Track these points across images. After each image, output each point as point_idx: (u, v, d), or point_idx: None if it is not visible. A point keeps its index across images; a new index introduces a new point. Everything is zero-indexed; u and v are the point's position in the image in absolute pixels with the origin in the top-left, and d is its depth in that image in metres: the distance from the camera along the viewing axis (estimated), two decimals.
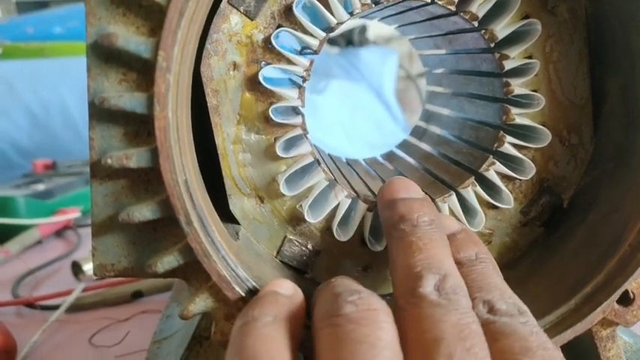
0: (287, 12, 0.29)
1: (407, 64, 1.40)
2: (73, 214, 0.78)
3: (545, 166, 0.34)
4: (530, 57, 0.32)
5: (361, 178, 0.38)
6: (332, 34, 0.31)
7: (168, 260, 0.26)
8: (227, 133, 0.30)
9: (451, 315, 0.22)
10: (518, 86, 0.33)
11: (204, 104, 0.30)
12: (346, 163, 0.42)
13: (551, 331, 0.28)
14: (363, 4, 0.30)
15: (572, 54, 0.33)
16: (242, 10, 0.29)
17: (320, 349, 0.22)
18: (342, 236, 0.32)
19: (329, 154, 0.40)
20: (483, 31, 0.32)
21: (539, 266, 0.33)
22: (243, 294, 0.26)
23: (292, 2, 0.29)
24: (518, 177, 0.33)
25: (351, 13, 0.30)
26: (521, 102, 0.33)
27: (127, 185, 0.25)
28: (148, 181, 0.25)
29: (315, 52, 0.30)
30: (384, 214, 0.28)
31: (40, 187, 0.81)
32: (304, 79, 0.31)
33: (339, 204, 0.32)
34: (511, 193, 0.33)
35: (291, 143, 0.31)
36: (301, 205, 0.32)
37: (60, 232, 0.78)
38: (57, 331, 0.50)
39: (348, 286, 0.24)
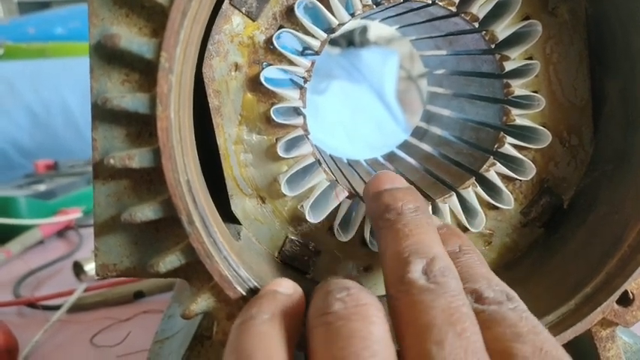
0: (288, 13, 0.30)
1: (408, 64, 1.40)
2: (74, 214, 0.78)
3: (545, 166, 0.34)
4: (530, 58, 0.32)
5: (362, 179, 0.38)
6: (333, 35, 0.31)
7: (170, 260, 0.26)
8: (229, 133, 0.31)
9: (441, 299, 0.22)
10: (519, 87, 0.33)
11: (206, 105, 0.30)
12: (347, 163, 0.42)
13: (552, 330, 0.28)
14: (364, 5, 0.30)
15: (572, 55, 0.33)
16: (244, 11, 0.29)
17: (313, 347, 0.22)
18: (343, 236, 0.32)
19: (330, 155, 0.40)
20: (484, 32, 0.32)
21: (539, 267, 0.33)
22: (244, 294, 0.27)
23: (294, 3, 0.29)
24: (518, 178, 0.33)
25: (353, 14, 0.30)
26: (521, 103, 0.33)
27: (129, 185, 0.26)
28: (151, 181, 0.25)
29: (317, 53, 0.30)
30: (370, 207, 0.28)
31: (42, 187, 0.81)
32: (305, 80, 0.31)
33: (340, 204, 0.32)
34: (511, 193, 0.34)
35: (292, 144, 0.32)
36: (302, 206, 0.32)
37: (61, 233, 0.78)
38: (58, 331, 0.50)
39: (339, 284, 0.24)
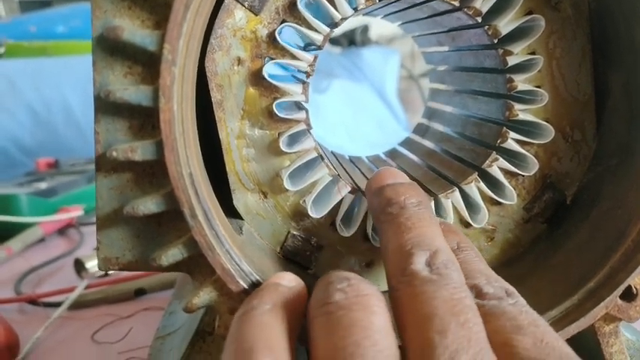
0: (291, 7, 0.30)
1: (409, 63, 1.40)
2: (75, 212, 0.78)
3: (548, 162, 0.34)
4: (533, 53, 0.32)
5: (364, 175, 0.38)
6: (336, 30, 0.31)
7: (173, 253, 0.26)
8: (231, 128, 0.31)
9: (443, 290, 0.22)
10: (522, 82, 0.33)
11: (209, 99, 0.30)
12: (349, 160, 0.42)
13: (555, 326, 0.28)
14: (367, 0, 0.30)
15: (575, 50, 0.33)
16: (246, 5, 0.29)
17: (314, 337, 0.22)
18: (345, 232, 0.32)
19: (332, 152, 0.40)
20: (487, 27, 0.32)
21: (542, 262, 0.33)
22: (246, 287, 0.27)
23: None
24: (521, 173, 0.33)
25: (355, 9, 0.30)
26: (524, 98, 0.33)
27: (131, 178, 0.26)
28: (153, 174, 0.25)
29: (319, 48, 0.30)
30: (372, 201, 0.28)
31: (43, 185, 0.81)
32: (308, 75, 0.31)
33: (342, 199, 0.32)
34: (514, 189, 0.33)
35: (294, 138, 0.31)
36: (305, 201, 0.32)
37: (62, 230, 0.78)
38: (59, 328, 0.50)
39: (339, 275, 0.24)
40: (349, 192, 0.32)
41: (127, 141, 0.25)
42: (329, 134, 1.00)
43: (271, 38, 0.30)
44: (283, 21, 0.30)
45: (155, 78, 0.24)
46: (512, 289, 0.24)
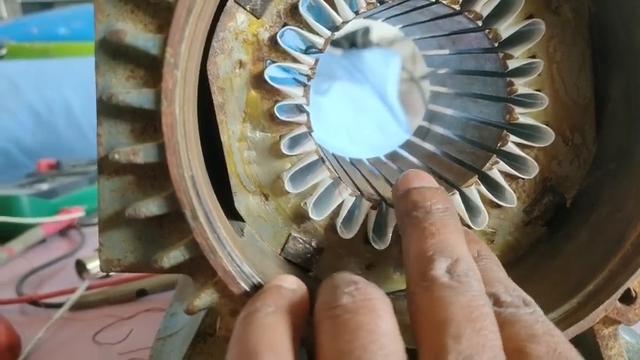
0: (293, 11, 0.30)
1: (410, 66, 1.40)
2: (76, 213, 0.78)
3: (548, 165, 0.34)
4: (533, 57, 0.33)
5: (365, 177, 0.38)
6: (337, 33, 0.31)
7: (174, 255, 0.26)
8: (232, 130, 0.31)
9: (462, 297, 0.22)
10: (522, 86, 0.33)
11: (211, 102, 0.30)
12: (350, 162, 0.42)
13: None
14: (368, 3, 0.30)
15: (575, 54, 0.33)
16: (248, 9, 0.29)
17: (319, 340, 0.22)
18: (346, 234, 0.32)
19: (333, 154, 0.40)
20: (487, 30, 0.32)
21: (541, 265, 0.33)
22: (248, 289, 0.27)
23: (298, 1, 0.29)
24: (521, 176, 0.33)
25: (357, 12, 0.30)
26: (524, 101, 0.33)
27: (133, 181, 0.26)
28: (155, 176, 0.25)
29: (321, 51, 0.31)
30: (398, 204, 0.28)
31: (44, 186, 0.81)
32: (309, 78, 0.31)
33: (343, 202, 0.32)
34: (514, 192, 0.34)
35: (295, 141, 0.32)
36: (306, 203, 0.32)
37: (64, 232, 0.78)
38: (61, 329, 0.50)
39: (346, 278, 0.24)
40: (350, 195, 0.32)
41: (129, 144, 0.25)
42: (330, 136, 1.00)
43: (273, 41, 0.30)
44: (285, 24, 0.30)
45: (157, 81, 0.24)
46: (529, 299, 0.24)
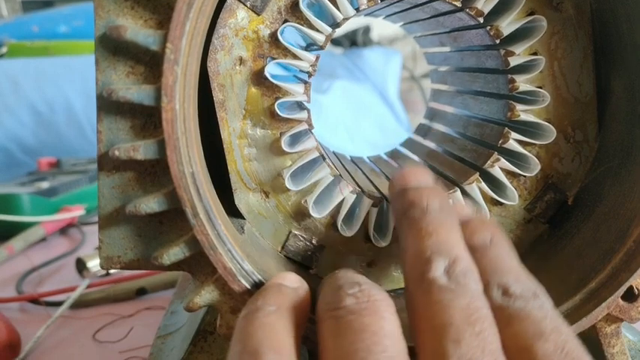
0: (293, 7, 0.30)
1: (410, 64, 1.40)
2: (77, 211, 0.78)
3: (549, 162, 0.34)
4: (535, 54, 0.32)
5: (365, 175, 0.38)
6: (338, 30, 0.31)
7: (175, 252, 0.26)
8: (233, 127, 0.31)
9: (460, 299, 0.22)
10: (523, 83, 0.33)
11: (211, 99, 0.30)
12: (350, 160, 0.42)
13: None
14: (369, 0, 0.30)
15: (577, 51, 0.33)
16: (248, 5, 0.29)
17: (322, 340, 0.22)
18: (347, 232, 0.32)
19: (333, 152, 0.40)
20: (489, 27, 0.32)
21: (543, 263, 0.33)
22: (248, 287, 0.27)
23: None
24: (522, 173, 0.33)
25: (357, 9, 0.30)
26: (526, 98, 0.33)
27: (133, 177, 0.26)
28: (155, 173, 0.25)
29: (321, 48, 0.30)
30: (395, 203, 0.28)
31: (45, 184, 0.81)
32: (310, 75, 0.31)
33: (344, 199, 0.32)
34: (516, 189, 0.33)
35: (296, 138, 0.32)
36: (306, 200, 0.32)
37: (64, 230, 0.78)
38: (61, 327, 0.50)
39: (349, 278, 0.24)
40: (350, 192, 0.32)
41: (130, 140, 0.25)
42: (330, 135, 1.00)
43: (273, 38, 0.30)
44: (285, 21, 0.30)
45: (157, 77, 0.24)
46: (540, 290, 0.24)
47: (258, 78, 0.30)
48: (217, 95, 0.30)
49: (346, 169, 0.37)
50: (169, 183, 0.25)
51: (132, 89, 0.24)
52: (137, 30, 0.24)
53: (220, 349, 0.31)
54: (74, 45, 1.22)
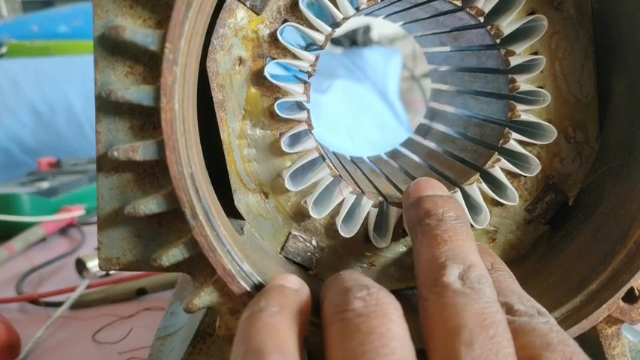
0: (293, 7, 0.29)
1: (411, 64, 1.40)
2: (77, 211, 0.78)
3: (550, 163, 0.34)
4: (535, 53, 0.32)
5: (365, 175, 0.38)
6: (338, 30, 0.31)
7: (174, 254, 0.26)
8: (232, 128, 0.30)
9: (475, 304, 0.22)
10: (524, 83, 0.32)
11: (210, 99, 0.30)
12: (350, 160, 0.42)
13: None
14: (369, 0, 0.30)
15: (577, 50, 0.32)
16: (248, 5, 0.29)
17: (330, 342, 0.22)
18: (347, 233, 0.32)
19: (333, 152, 0.40)
20: (489, 27, 0.32)
21: (544, 264, 0.33)
22: (248, 288, 0.26)
23: None
24: (523, 174, 0.33)
25: (357, 9, 0.30)
26: (526, 98, 0.33)
27: (132, 178, 0.25)
28: (154, 174, 0.25)
29: (321, 47, 0.30)
30: (410, 212, 0.28)
31: (45, 184, 0.81)
32: (310, 75, 0.31)
33: (343, 200, 0.32)
34: (516, 190, 0.33)
35: (296, 139, 0.31)
36: (306, 201, 0.32)
37: (64, 230, 0.78)
38: (60, 328, 0.50)
39: (357, 281, 0.24)
40: (350, 193, 0.32)
41: (128, 141, 0.25)
42: (330, 135, 1.00)
43: (273, 38, 0.30)
44: (285, 21, 0.30)
45: (156, 77, 0.24)
46: (543, 309, 0.24)
47: (258, 78, 0.30)
48: (217, 95, 0.30)
49: (346, 170, 0.37)
50: (168, 184, 0.25)
51: (131, 89, 0.24)
52: (136, 30, 0.24)
53: (219, 350, 0.31)
54: (74, 45, 1.22)
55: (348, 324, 0.21)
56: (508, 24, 0.31)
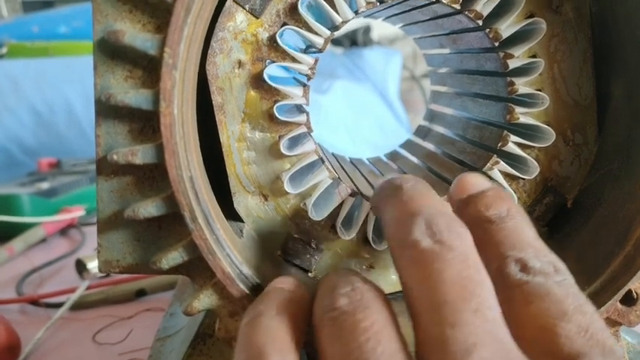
0: (292, 10, 0.30)
1: (411, 64, 1.40)
2: (77, 212, 0.78)
3: (549, 165, 0.34)
4: (534, 56, 0.32)
5: (365, 177, 0.38)
6: (337, 33, 0.31)
7: (173, 257, 0.26)
8: (232, 130, 0.31)
9: (451, 269, 0.20)
10: (523, 85, 0.33)
11: (210, 102, 0.30)
12: (350, 162, 0.42)
13: None
14: (367, 3, 0.30)
15: (576, 53, 0.33)
16: (247, 9, 0.29)
17: (321, 345, 0.22)
18: (346, 235, 0.32)
19: (333, 154, 0.40)
20: (488, 30, 0.32)
21: None
22: (247, 291, 0.27)
23: (297, 0, 0.29)
24: (522, 176, 0.33)
25: (356, 12, 0.30)
26: (525, 101, 0.33)
27: (132, 182, 0.26)
28: (153, 177, 0.25)
29: (320, 51, 0.30)
30: (373, 198, 0.27)
31: (45, 185, 0.81)
32: (309, 78, 0.31)
33: (343, 202, 0.32)
34: (515, 192, 0.33)
35: (295, 141, 0.31)
36: (305, 203, 0.32)
37: (64, 231, 0.78)
38: (60, 329, 0.50)
39: (342, 278, 0.24)
40: (349, 195, 0.32)
41: (128, 144, 0.25)
42: (330, 135, 1.00)
43: (272, 41, 0.30)
44: (284, 24, 0.30)
45: (156, 82, 0.24)
46: (560, 264, 0.22)
47: (257, 81, 0.30)
48: (216, 98, 0.30)
49: (345, 172, 0.37)
50: (168, 187, 0.25)
51: (130, 93, 0.24)
52: (135, 34, 0.24)
53: (219, 352, 0.31)
54: (74, 46, 1.22)
55: (334, 324, 0.21)
56: (507, 27, 0.31)
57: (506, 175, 0.33)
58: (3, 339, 0.43)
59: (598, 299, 0.29)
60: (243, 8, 0.29)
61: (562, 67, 0.33)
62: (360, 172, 0.40)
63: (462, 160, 0.37)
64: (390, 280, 0.34)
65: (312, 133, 0.32)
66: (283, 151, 0.31)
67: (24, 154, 1.05)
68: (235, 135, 0.31)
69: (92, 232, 0.76)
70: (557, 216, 0.34)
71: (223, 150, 0.31)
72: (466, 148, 0.37)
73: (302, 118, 0.31)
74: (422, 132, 0.46)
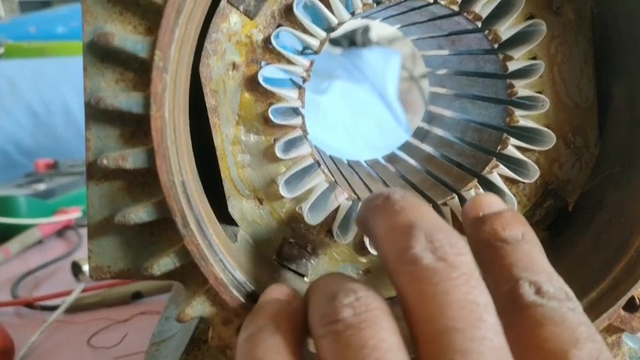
0: (287, 11, 0.29)
1: (410, 65, 1.39)
2: (73, 213, 0.77)
3: (549, 169, 0.33)
4: (534, 58, 0.32)
5: (362, 180, 0.38)
6: (333, 34, 0.30)
7: (165, 263, 0.25)
8: (226, 133, 0.30)
9: (456, 290, 0.20)
10: (523, 88, 0.32)
11: (203, 104, 0.29)
12: (347, 164, 0.41)
13: None
14: (364, 4, 0.29)
15: (577, 55, 0.32)
16: (241, 10, 0.29)
17: (323, 358, 0.21)
18: (343, 239, 0.32)
19: (330, 156, 0.39)
20: (487, 31, 0.31)
21: None
22: (241, 298, 0.26)
23: (292, 2, 0.29)
24: (522, 180, 0.33)
25: (353, 13, 0.30)
26: (525, 104, 0.32)
27: (123, 186, 0.25)
28: (145, 182, 0.25)
29: (316, 53, 0.30)
30: (359, 212, 0.26)
31: (41, 186, 0.81)
32: (304, 80, 0.30)
33: (339, 206, 0.32)
34: (515, 196, 0.33)
35: (290, 144, 0.31)
36: (301, 207, 0.31)
37: (61, 232, 0.78)
38: (55, 332, 0.49)
39: (342, 286, 0.22)
40: (346, 199, 0.32)
41: (118, 148, 0.24)
42: (328, 136, 0.99)
43: (267, 43, 0.29)
44: (279, 25, 0.29)
45: (147, 85, 0.23)
46: (571, 292, 0.23)
47: (252, 83, 0.30)
48: (210, 101, 0.29)
49: (342, 174, 0.36)
50: (159, 192, 0.24)
51: (120, 97, 0.24)
52: (125, 36, 0.23)
53: (214, 358, 0.31)
54: (71, 46, 1.21)
55: (338, 338, 0.20)
56: (506, 29, 0.31)
57: (506, 179, 0.33)
58: None
59: (600, 306, 0.28)
60: (238, 9, 0.29)
61: (562, 69, 0.32)
62: (357, 174, 0.39)
63: (460, 163, 0.36)
64: (386, 285, 0.33)
65: (307, 136, 0.31)
66: (278, 154, 0.30)
67: (21, 154, 1.04)
68: (229, 138, 0.30)
69: None
70: (557, 220, 0.34)
71: (217, 153, 0.30)
72: (465, 151, 0.37)
73: (297, 120, 0.31)
74: (420, 134, 0.45)
